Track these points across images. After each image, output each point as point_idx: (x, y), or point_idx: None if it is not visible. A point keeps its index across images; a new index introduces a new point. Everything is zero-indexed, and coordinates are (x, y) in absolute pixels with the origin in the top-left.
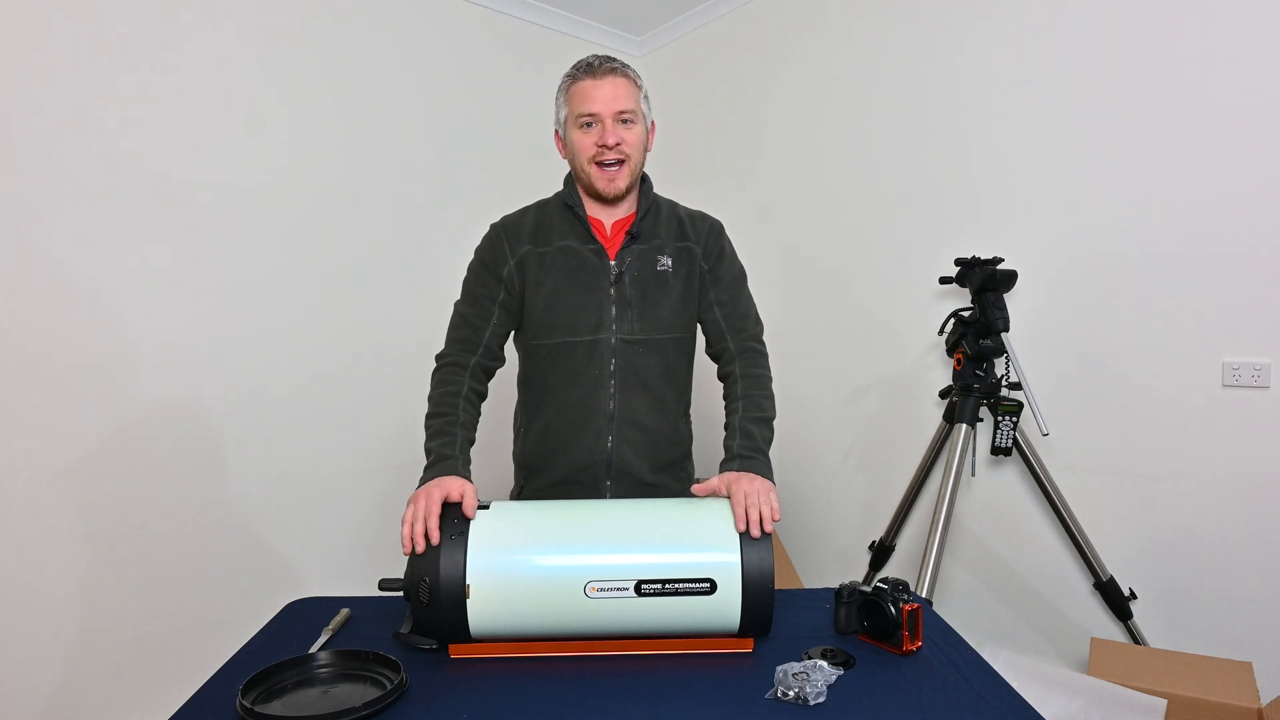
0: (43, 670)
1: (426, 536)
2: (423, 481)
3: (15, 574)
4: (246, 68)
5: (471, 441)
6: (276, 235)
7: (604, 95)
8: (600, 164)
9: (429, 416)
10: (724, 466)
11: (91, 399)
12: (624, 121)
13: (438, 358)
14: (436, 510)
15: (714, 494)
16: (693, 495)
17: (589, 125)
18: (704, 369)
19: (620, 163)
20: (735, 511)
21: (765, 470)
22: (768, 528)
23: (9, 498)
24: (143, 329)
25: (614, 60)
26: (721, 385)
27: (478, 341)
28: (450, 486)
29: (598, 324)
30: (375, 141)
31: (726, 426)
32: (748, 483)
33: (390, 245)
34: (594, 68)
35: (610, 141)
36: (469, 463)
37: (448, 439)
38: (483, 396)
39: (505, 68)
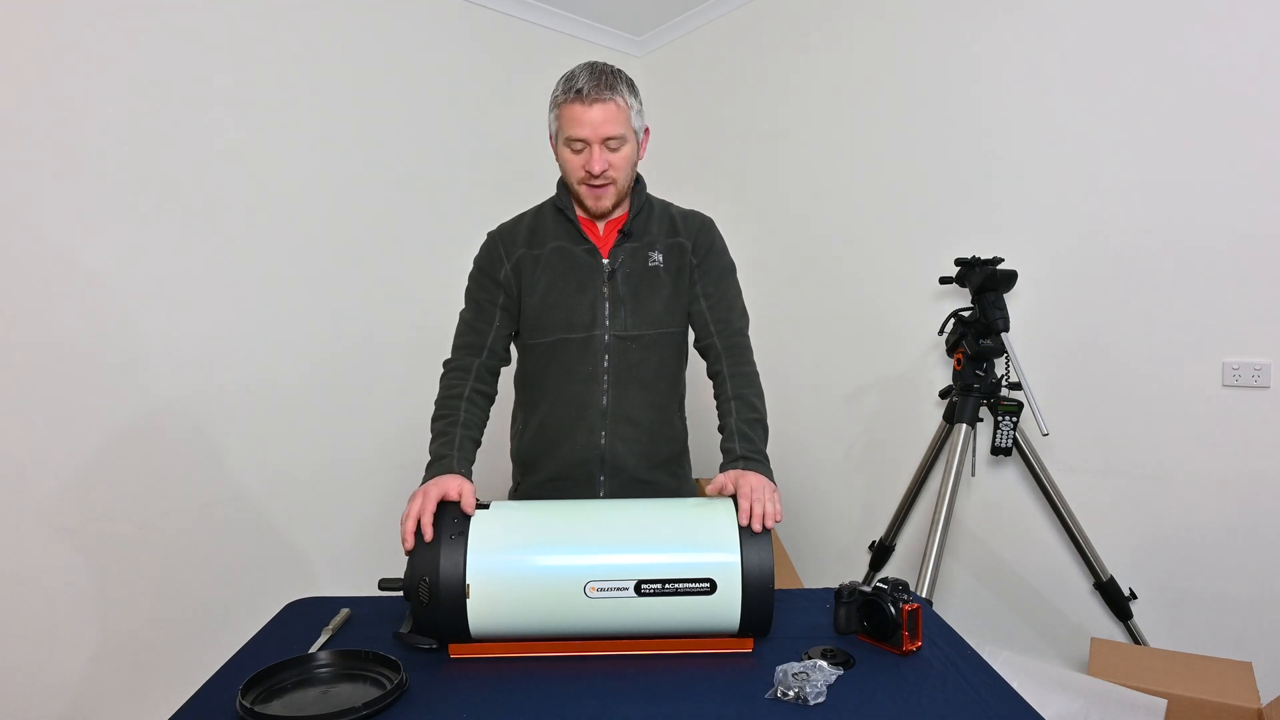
0: (43, 670)
1: (420, 533)
2: (423, 481)
3: (18, 573)
4: (253, 72)
5: (475, 441)
6: (283, 237)
7: (593, 120)
8: (588, 185)
9: (433, 420)
10: (726, 467)
11: (98, 399)
12: (612, 147)
13: (444, 364)
14: (432, 508)
15: (722, 490)
16: (689, 495)
17: (578, 149)
18: (699, 366)
19: (607, 185)
20: (740, 504)
21: (767, 473)
22: (769, 524)
23: (14, 496)
24: (149, 329)
25: (604, 85)
26: (709, 377)
27: (481, 345)
28: (448, 485)
29: (592, 320)
30: (378, 143)
31: (722, 429)
32: (755, 479)
33: (395, 246)
34: (583, 94)
35: (596, 169)
36: (469, 460)
37: (447, 439)
38: (490, 396)
39: (506, 68)
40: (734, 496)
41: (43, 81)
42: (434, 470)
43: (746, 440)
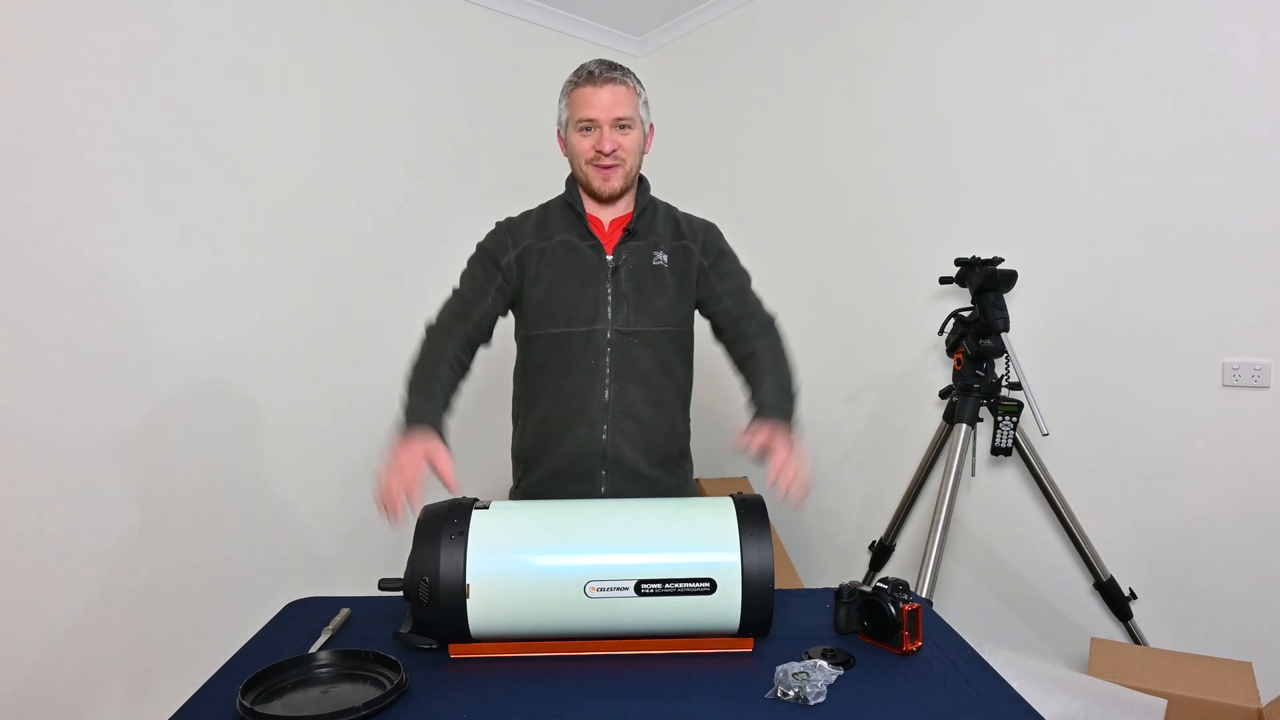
0: (43, 670)
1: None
2: (401, 437)
3: (18, 573)
4: (254, 72)
5: (450, 408)
6: (285, 237)
7: (603, 102)
8: (597, 165)
9: (412, 379)
10: (761, 418)
11: (98, 398)
12: (621, 127)
13: (426, 326)
14: (418, 474)
15: (754, 439)
16: (689, 494)
17: (588, 130)
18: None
19: (616, 165)
20: (774, 459)
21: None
22: (798, 493)
23: (15, 496)
24: (151, 328)
25: (615, 68)
26: (739, 367)
27: (469, 315)
28: (428, 448)
29: (594, 315)
30: (379, 145)
31: (755, 388)
32: (795, 446)
33: (397, 247)
34: (594, 75)
35: (606, 148)
36: (443, 425)
37: (428, 398)
38: (466, 369)
39: (506, 68)
40: (764, 455)
41: (48, 79)
42: (412, 426)
43: (786, 400)
